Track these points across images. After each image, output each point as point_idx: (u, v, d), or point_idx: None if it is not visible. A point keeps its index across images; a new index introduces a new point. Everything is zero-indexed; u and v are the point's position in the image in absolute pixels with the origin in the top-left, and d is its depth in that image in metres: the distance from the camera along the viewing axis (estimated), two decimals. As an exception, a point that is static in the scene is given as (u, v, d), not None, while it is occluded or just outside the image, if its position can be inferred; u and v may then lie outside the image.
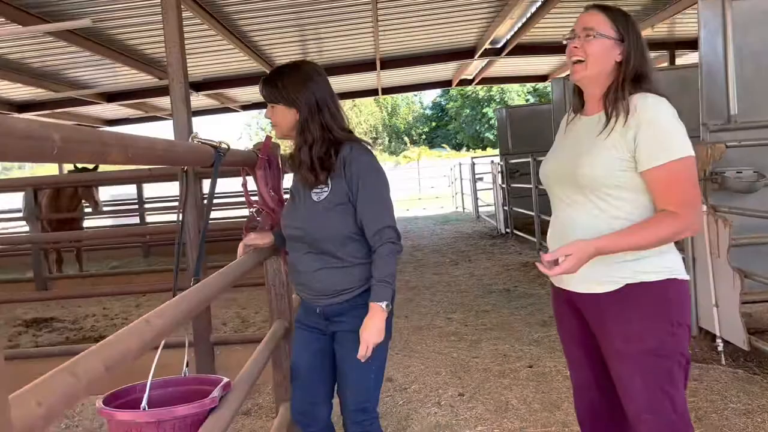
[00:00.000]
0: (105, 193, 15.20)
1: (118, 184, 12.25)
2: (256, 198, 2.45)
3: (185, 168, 1.80)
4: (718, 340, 3.81)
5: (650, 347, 1.72)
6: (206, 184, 12.29)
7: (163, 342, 1.78)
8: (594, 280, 1.76)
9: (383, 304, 2.02)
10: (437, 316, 5.62)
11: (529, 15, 8.12)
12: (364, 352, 2.03)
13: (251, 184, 2.45)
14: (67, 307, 7.06)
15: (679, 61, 10.39)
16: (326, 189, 2.05)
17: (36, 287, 7.44)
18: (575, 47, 1.74)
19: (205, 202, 2.23)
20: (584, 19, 1.76)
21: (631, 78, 1.72)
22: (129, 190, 13.52)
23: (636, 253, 1.72)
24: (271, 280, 2.60)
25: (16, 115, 10.83)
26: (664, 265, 1.74)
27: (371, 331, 2.01)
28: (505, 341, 4.63)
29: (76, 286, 7.88)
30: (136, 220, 11.55)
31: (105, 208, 12.48)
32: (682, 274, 1.78)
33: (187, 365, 1.96)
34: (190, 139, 1.80)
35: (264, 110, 1.99)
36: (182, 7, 5.93)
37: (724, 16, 3.91)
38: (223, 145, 1.86)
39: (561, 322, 2.01)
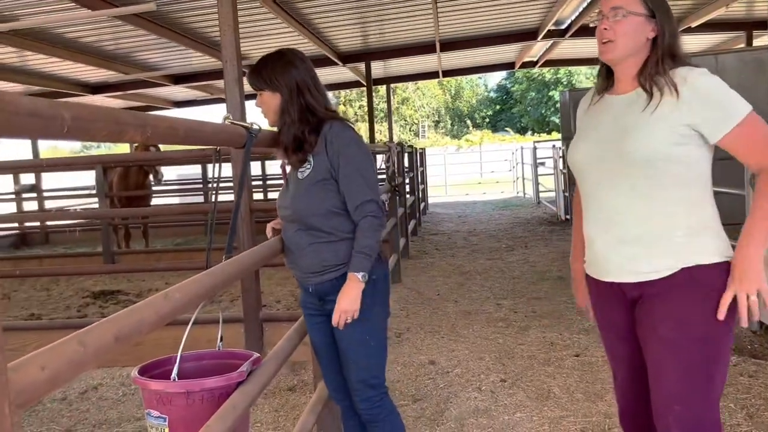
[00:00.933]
0: (172, 172, 15.77)
1: (184, 164, 12.66)
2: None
3: (218, 148, 1.85)
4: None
5: (700, 334, 1.66)
6: (268, 165, 12.52)
7: (194, 316, 1.86)
8: (646, 270, 1.70)
9: (359, 275, 2.06)
10: (487, 301, 5.57)
11: (594, -6, 7.84)
12: (337, 319, 2.07)
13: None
14: (133, 281, 7.40)
15: (756, 43, 9.81)
16: (309, 166, 2.11)
17: (104, 261, 7.82)
18: (605, 29, 1.69)
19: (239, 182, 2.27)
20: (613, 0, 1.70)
21: (668, 54, 1.68)
22: (195, 170, 13.96)
23: (687, 234, 1.67)
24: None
25: (90, 96, 11.37)
26: (718, 245, 1.70)
27: (345, 299, 2.06)
28: (554, 329, 4.55)
29: (141, 261, 8.22)
30: (201, 199, 11.94)
31: (171, 188, 12.98)
32: (731, 258, 1.71)
33: (221, 340, 2.02)
34: (222, 120, 1.85)
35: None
36: (241, -10, 6.05)
37: (799, -8, 3.66)
38: (255, 127, 1.90)
39: (603, 316, 1.92)
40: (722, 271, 1.66)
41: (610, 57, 1.72)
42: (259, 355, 1.94)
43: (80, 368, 0.97)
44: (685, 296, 1.67)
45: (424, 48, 10.46)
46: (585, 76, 34.50)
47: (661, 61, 1.67)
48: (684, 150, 1.65)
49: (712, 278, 1.66)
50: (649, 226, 1.69)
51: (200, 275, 1.46)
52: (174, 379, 1.76)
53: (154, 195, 10.13)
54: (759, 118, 1.64)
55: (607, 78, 1.81)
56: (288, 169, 2.22)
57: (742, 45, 9.80)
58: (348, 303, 2.05)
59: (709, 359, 1.68)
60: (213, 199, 1.85)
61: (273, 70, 2.11)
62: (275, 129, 2.16)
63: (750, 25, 9.55)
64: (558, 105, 31.77)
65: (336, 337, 2.19)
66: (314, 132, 2.09)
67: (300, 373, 4.00)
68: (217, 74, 10.77)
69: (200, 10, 7.02)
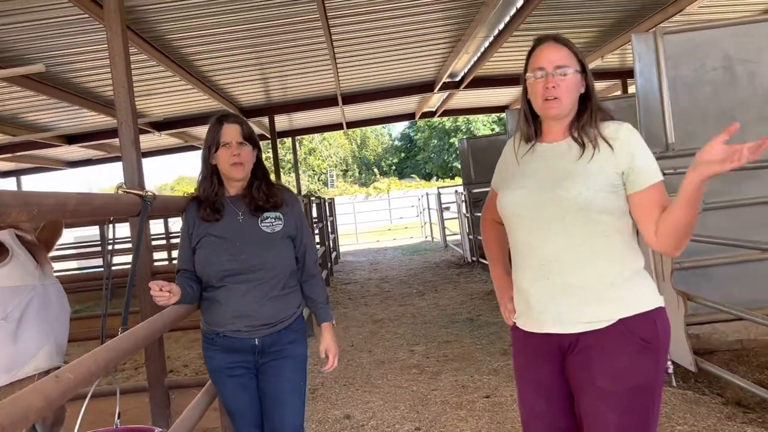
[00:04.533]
0: (68, 235, 14.96)
1: (81, 226, 12.05)
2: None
3: (111, 218, 1.81)
4: (668, 363, 3.89)
5: (637, 384, 1.68)
6: (172, 222, 12.18)
7: (90, 392, 1.78)
8: (585, 320, 1.71)
9: (333, 321, 2.45)
10: (400, 348, 5.62)
11: (483, 49, 8.33)
12: (333, 361, 2.39)
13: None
14: (25, 355, 6.89)
15: (631, 90, 10.71)
16: (280, 222, 2.28)
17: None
18: (553, 87, 1.72)
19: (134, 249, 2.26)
20: (552, 55, 1.75)
21: (597, 108, 1.77)
22: (92, 232, 13.33)
23: (623, 282, 1.71)
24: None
25: (-26, 159, 10.68)
26: (650, 293, 1.74)
27: (333, 344, 2.40)
28: (465, 372, 4.65)
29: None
30: (100, 261, 11.39)
31: (68, 251, 12.29)
32: (663, 301, 1.77)
33: (119, 416, 1.94)
34: (116, 190, 1.83)
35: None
36: (137, 50, 5.99)
37: (657, 49, 4.08)
38: (149, 194, 1.88)
39: (527, 372, 1.87)
40: (655, 319, 1.70)
41: (556, 113, 1.75)
42: (162, 430, 1.87)
43: (-41, 465, 0.92)
44: (621, 347, 1.67)
45: (327, 101, 10.67)
46: (482, 123, 36.17)
47: (594, 114, 1.76)
48: (614, 200, 1.70)
49: (647, 328, 1.68)
50: (588, 274, 1.70)
51: (95, 351, 1.41)
52: (69, 463, 1.66)
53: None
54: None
55: (532, 124, 1.84)
56: (223, 221, 2.25)
57: (619, 92, 10.67)
58: (336, 346, 2.39)
59: (645, 407, 1.69)
60: (107, 267, 1.80)
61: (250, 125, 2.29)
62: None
63: (624, 74, 10.43)
64: (459, 151, 33.18)
65: (271, 389, 2.24)
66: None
67: (211, 440, 3.85)
68: (114, 133, 10.47)
69: (92, 69, 6.86)
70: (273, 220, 2.25)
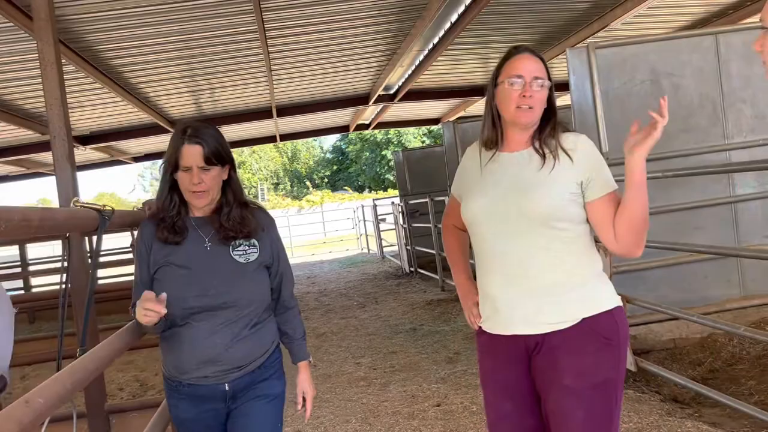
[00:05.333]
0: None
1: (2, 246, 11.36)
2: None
3: (67, 234, 1.73)
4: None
5: (600, 380, 1.75)
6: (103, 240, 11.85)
7: (47, 418, 1.68)
8: (553, 321, 1.78)
9: (310, 359, 2.17)
10: (346, 361, 5.59)
11: (417, 63, 8.47)
12: (310, 408, 2.12)
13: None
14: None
15: (560, 102, 11.14)
16: (255, 250, 1.98)
17: None
18: (530, 96, 1.78)
19: (90, 267, 2.12)
20: (530, 66, 1.80)
21: (558, 121, 1.85)
22: (11, 252, 12.59)
23: (585, 283, 1.79)
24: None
25: None
26: (609, 293, 1.83)
27: (309, 386, 2.12)
28: (413, 381, 4.67)
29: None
30: (20, 283, 10.77)
31: (-16, 273, 11.55)
32: (620, 301, 1.86)
33: (76, 442, 1.84)
34: (71, 204, 1.74)
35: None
36: (64, 60, 5.74)
37: (590, 63, 4.27)
38: (108, 209, 1.80)
39: (492, 374, 1.91)
40: (615, 317, 1.80)
41: (528, 121, 1.81)
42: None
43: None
44: (585, 346, 1.76)
45: (261, 113, 10.55)
46: (413, 136, 36.65)
47: (556, 126, 1.83)
48: (574, 208, 1.78)
49: (608, 326, 1.78)
50: (552, 278, 1.78)
51: (60, 374, 1.34)
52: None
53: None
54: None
55: (497, 131, 1.89)
56: (187, 247, 1.93)
57: (546, 105, 11.07)
58: (313, 388, 2.12)
59: (609, 402, 1.77)
60: (64, 286, 1.71)
61: (224, 142, 1.93)
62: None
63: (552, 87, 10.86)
64: (391, 163, 33.52)
65: (247, 431, 1.97)
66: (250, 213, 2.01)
67: (157, 465, 3.69)
68: (34, 147, 9.97)
69: (14, 81, 6.53)
70: (247, 247, 1.96)
